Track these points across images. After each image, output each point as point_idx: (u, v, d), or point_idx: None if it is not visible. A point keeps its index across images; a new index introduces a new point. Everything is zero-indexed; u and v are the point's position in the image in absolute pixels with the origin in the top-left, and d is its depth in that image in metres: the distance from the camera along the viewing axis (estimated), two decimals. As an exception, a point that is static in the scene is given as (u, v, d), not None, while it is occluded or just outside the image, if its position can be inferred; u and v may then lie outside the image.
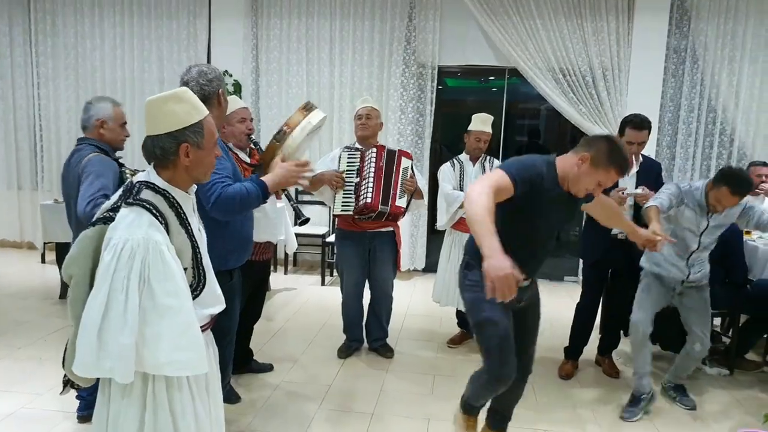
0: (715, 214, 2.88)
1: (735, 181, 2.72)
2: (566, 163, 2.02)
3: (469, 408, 2.34)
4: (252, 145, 2.93)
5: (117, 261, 1.38)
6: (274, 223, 2.89)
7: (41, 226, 5.35)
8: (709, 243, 2.96)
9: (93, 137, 2.53)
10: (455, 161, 3.82)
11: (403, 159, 3.42)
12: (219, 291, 1.70)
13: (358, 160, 3.41)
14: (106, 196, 2.29)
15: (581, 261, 4.15)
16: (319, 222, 5.79)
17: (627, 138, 3.22)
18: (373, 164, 3.35)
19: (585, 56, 5.24)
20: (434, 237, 5.44)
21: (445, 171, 3.79)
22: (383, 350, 3.69)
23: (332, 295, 4.66)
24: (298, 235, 5.18)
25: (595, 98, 5.28)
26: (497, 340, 2.08)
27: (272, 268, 5.56)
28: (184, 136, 1.50)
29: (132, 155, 5.39)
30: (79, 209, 2.32)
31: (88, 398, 2.52)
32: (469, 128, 3.75)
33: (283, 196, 2.77)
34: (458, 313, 3.94)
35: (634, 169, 3.31)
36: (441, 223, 3.82)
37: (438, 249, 4.03)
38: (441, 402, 3.05)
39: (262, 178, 2.20)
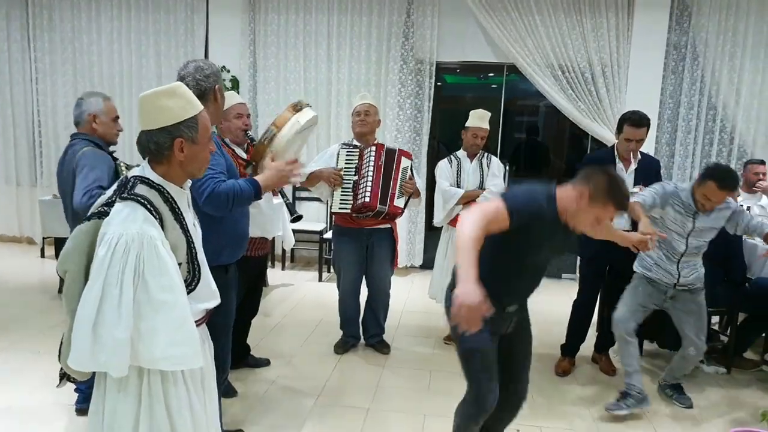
0: (702, 216, 2.86)
1: (721, 176, 2.73)
2: (566, 196, 1.96)
3: None
4: (249, 141, 2.93)
5: (111, 256, 1.38)
6: (268, 219, 2.89)
7: (40, 221, 5.36)
8: (699, 247, 2.94)
9: (86, 132, 2.55)
10: (452, 158, 3.82)
11: (403, 159, 3.42)
12: (214, 286, 1.70)
13: (357, 157, 3.41)
14: (102, 188, 2.31)
15: (579, 258, 4.15)
16: (316, 218, 5.80)
17: (625, 135, 3.22)
18: (372, 163, 3.34)
19: (584, 53, 5.22)
20: (431, 233, 5.43)
21: (443, 167, 3.79)
22: (380, 346, 3.69)
23: (329, 292, 4.67)
24: (295, 232, 5.18)
25: (594, 95, 5.26)
26: (482, 370, 2.07)
27: (270, 263, 5.56)
28: (179, 131, 1.50)
29: (131, 150, 5.38)
30: (75, 201, 2.33)
31: (86, 391, 2.54)
32: (467, 124, 3.75)
33: (270, 193, 2.76)
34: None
35: (633, 166, 3.31)
36: (438, 219, 3.82)
37: (435, 245, 4.03)
38: (437, 398, 3.06)
39: (255, 178, 2.22)
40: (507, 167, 5.25)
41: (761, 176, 4.13)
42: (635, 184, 3.22)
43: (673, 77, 5.34)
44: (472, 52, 5.49)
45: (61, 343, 1.52)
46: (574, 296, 3.57)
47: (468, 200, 3.68)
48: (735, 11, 5.13)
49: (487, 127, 3.76)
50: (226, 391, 2.84)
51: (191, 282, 1.57)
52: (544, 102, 5.56)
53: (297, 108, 2.49)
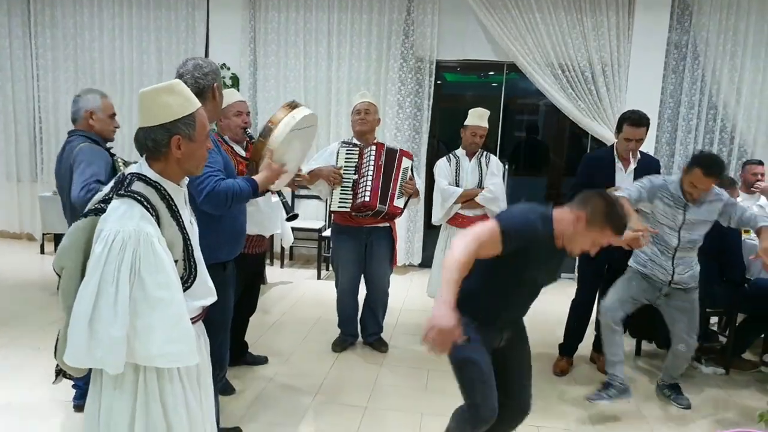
0: (692, 208, 2.83)
1: (707, 163, 2.72)
2: (563, 219, 1.93)
3: None
4: (248, 139, 2.93)
5: (108, 252, 1.39)
6: (266, 217, 2.89)
7: (40, 217, 5.37)
8: (692, 241, 2.90)
9: (83, 128, 2.56)
10: (451, 156, 3.82)
11: (404, 159, 3.42)
12: (210, 283, 1.71)
13: (357, 156, 3.41)
14: (99, 182, 2.33)
15: (577, 258, 4.15)
16: (315, 216, 5.80)
17: (625, 135, 3.21)
18: (372, 162, 3.34)
19: (584, 51, 5.22)
20: (431, 232, 5.43)
21: (441, 166, 3.79)
22: (378, 345, 3.70)
23: (328, 290, 4.65)
24: (294, 229, 5.19)
25: (594, 94, 5.26)
26: (477, 380, 2.02)
27: (268, 261, 5.57)
28: (176, 128, 1.50)
29: (131, 147, 5.38)
30: (72, 195, 2.35)
31: (84, 387, 2.54)
32: (465, 123, 3.75)
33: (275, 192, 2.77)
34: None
35: (632, 166, 3.31)
36: (436, 218, 3.82)
37: (434, 244, 4.04)
38: (435, 396, 3.06)
39: (254, 177, 2.23)
40: (506, 166, 5.26)
41: (759, 177, 4.13)
42: None
43: (674, 76, 5.33)
44: (472, 51, 5.49)
45: (57, 339, 1.52)
46: (573, 296, 3.57)
47: (466, 199, 3.69)
48: (736, 10, 5.12)
49: (486, 125, 3.76)
50: (223, 388, 2.85)
51: (188, 279, 1.57)
52: (544, 101, 5.56)
53: (292, 106, 2.50)
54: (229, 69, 5.62)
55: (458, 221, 3.74)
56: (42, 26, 5.97)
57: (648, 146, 4.42)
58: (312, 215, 5.82)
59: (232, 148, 2.90)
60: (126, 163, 2.54)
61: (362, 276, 3.64)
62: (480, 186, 3.72)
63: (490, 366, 2.04)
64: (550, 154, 6.81)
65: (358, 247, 3.53)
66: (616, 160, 3.32)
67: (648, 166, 3.35)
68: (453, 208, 3.71)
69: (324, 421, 2.80)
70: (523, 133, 6.85)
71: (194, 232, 1.64)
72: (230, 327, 2.38)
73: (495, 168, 3.76)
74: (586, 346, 3.63)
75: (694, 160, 2.77)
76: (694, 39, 5.23)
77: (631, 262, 3.08)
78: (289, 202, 3.80)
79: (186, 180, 1.64)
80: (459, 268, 1.78)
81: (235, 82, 5.64)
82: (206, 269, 1.68)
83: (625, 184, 3.15)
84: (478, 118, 3.72)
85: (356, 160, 3.40)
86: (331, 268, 5.23)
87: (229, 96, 2.98)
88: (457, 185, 3.72)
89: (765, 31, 5.14)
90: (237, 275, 2.43)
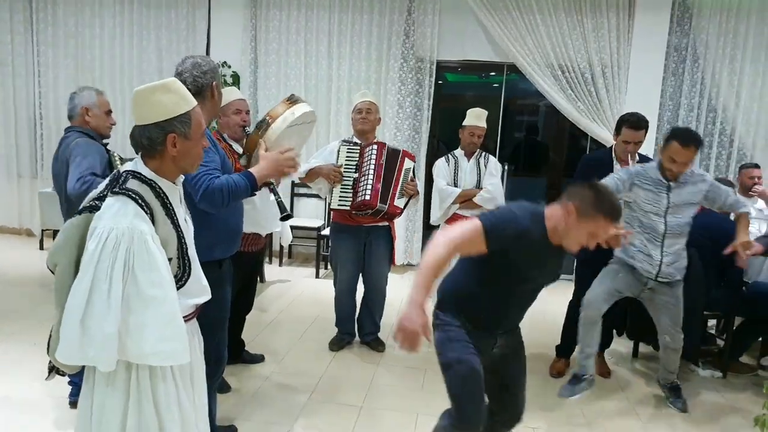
0: (675, 189, 2.78)
1: (682, 134, 2.71)
2: (554, 215, 1.88)
3: None
4: (246, 137, 2.93)
5: (101, 250, 1.39)
6: (262, 216, 2.89)
7: (39, 213, 5.38)
8: (679, 225, 2.83)
9: (79, 125, 2.60)
10: (450, 156, 3.83)
11: (407, 160, 3.43)
12: (205, 281, 1.71)
13: (357, 155, 3.41)
14: (95, 174, 2.34)
15: (575, 259, 4.15)
16: (314, 215, 5.81)
17: (623, 137, 3.21)
18: (373, 161, 3.34)
19: (584, 53, 5.22)
20: (430, 232, 5.43)
21: (440, 166, 3.80)
22: (375, 344, 3.70)
23: (326, 288, 4.65)
24: (293, 228, 5.20)
25: (594, 96, 5.26)
26: (465, 382, 1.95)
27: (267, 259, 5.57)
28: (172, 126, 1.51)
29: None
30: (68, 187, 2.37)
31: (79, 384, 2.53)
32: (464, 123, 3.76)
33: (267, 190, 2.76)
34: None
35: (631, 168, 3.31)
36: (435, 218, 3.82)
37: (432, 244, 4.03)
38: (431, 397, 3.06)
39: (250, 170, 2.21)
40: (506, 167, 5.26)
41: (756, 180, 4.12)
42: None
43: (673, 79, 5.33)
44: (472, 51, 5.49)
45: (50, 336, 1.52)
46: (570, 297, 3.57)
47: (465, 199, 3.69)
48: (736, 14, 5.11)
49: (484, 125, 3.77)
50: (219, 386, 2.85)
51: (181, 277, 1.57)
52: (544, 102, 5.56)
53: (292, 101, 2.49)
54: (230, 67, 5.62)
55: (457, 221, 3.74)
56: (44, 23, 5.98)
57: (647, 148, 4.41)
58: (311, 214, 5.82)
59: (230, 146, 2.90)
60: (122, 160, 2.55)
61: (360, 275, 3.64)
62: (478, 186, 3.72)
63: (479, 371, 1.96)
64: (549, 155, 6.81)
65: (357, 246, 3.53)
66: (615, 161, 3.32)
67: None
68: (451, 209, 3.71)
69: (320, 420, 2.81)
70: (523, 134, 6.86)
71: (189, 231, 1.65)
72: (227, 324, 2.38)
73: (493, 168, 3.76)
74: (582, 348, 3.63)
75: (670, 135, 2.75)
76: (694, 42, 5.23)
77: (618, 253, 2.99)
78: (286, 202, 3.81)
79: (182, 178, 1.65)
80: (435, 265, 1.76)
81: (236, 80, 5.65)
82: (200, 267, 1.68)
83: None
84: (476, 118, 3.73)
85: (357, 158, 3.41)
86: (329, 266, 5.24)
87: (229, 94, 2.98)
88: (456, 185, 3.73)
89: (765, 35, 5.13)
90: (234, 273, 2.43)
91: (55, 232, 4.76)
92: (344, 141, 3.53)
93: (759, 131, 5.24)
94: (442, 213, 3.74)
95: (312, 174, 3.43)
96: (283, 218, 2.42)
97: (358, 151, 3.42)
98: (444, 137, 6.34)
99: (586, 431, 2.86)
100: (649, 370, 3.64)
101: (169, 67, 5.75)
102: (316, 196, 5.45)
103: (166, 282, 1.45)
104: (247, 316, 3.38)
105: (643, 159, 3.39)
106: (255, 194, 2.26)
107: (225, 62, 5.56)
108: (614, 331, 3.66)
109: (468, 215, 3.72)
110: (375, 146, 3.39)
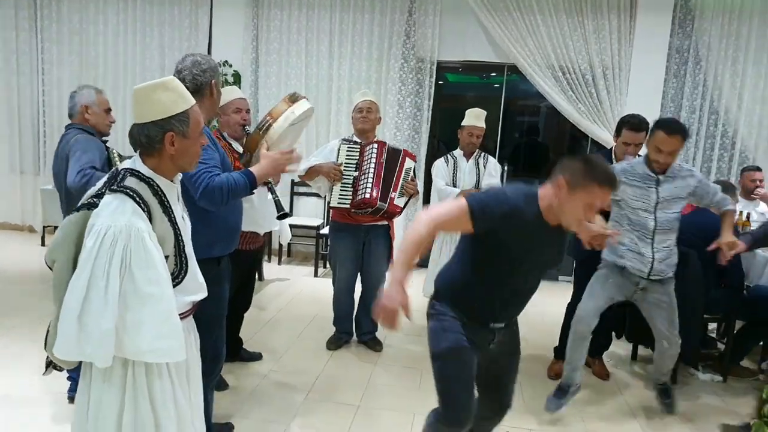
0: (664, 183, 2.72)
1: (667, 122, 2.68)
2: (547, 193, 1.80)
3: None
4: (246, 136, 2.94)
5: (99, 247, 1.40)
6: (260, 214, 2.89)
7: (41, 210, 5.40)
8: (669, 221, 2.77)
9: (79, 122, 2.65)
10: (449, 157, 3.83)
11: (408, 160, 3.44)
12: (201, 279, 1.72)
13: (358, 153, 3.42)
14: (94, 168, 2.37)
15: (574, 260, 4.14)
16: (314, 214, 5.82)
17: (623, 139, 3.21)
18: (373, 160, 3.35)
19: (585, 54, 5.22)
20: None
21: (439, 167, 3.80)
22: (372, 343, 3.71)
23: (324, 287, 4.66)
24: (292, 227, 5.20)
25: (595, 97, 5.26)
26: (454, 374, 1.89)
27: (266, 258, 5.58)
28: (170, 124, 1.52)
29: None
30: (69, 180, 2.41)
31: (78, 379, 2.56)
32: (462, 123, 3.77)
33: (265, 189, 2.77)
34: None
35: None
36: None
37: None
38: (428, 396, 3.04)
39: (250, 169, 2.22)
40: (506, 167, 5.26)
41: (758, 183, 4.12)
42: None
43: (675, 81, 5.32)
44: (473, 52, 5.49)
45: (48, 331, 1.53)
46: (569, 299, 3.56)
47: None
48: (738, 16, 5.11)
49: (483, 125, 3.77)
50: (217, 383, 2.85)
51: (178, 275, 1.58)
52: (544, 102, 5.56)
53: (293, 99, 2.50)
54: (231, 66, 5.63)
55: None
56: (48, 20, 6.01)
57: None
58: (310, 213, 5.83)
59: (230, 144, 2.91)
60: (121, 157, 2.57)
61: (359, 274, 3.64)
62: (477, 187, 3.73)
63: (471, 364, 1.91)
64: (550, 156, 6.80)
65: (356, 245, 3.54)
66: (615, 163, 3.32)
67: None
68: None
69: (317, 419, 2.82)
70: (524, 135, 6.85)
71: (186, 228, 1.66)
72: (225, 322, 2.39)
73: (492, 169, 3.77)
74: (580, 349, 3.62)
75: (654, 126, 2.72)
76: (696, 43, 5.22)
77: (606, 255, 2.91)
78: (286, 200, 3.81)
79: (179, 176, 1.65)
80: (417, 241, 1.73)
81: (237, 79, 5.66)
82: (197, 265, 1.69)
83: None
84: (474, 118, 3.73)
85: (357, 157, 3.41)
86: (328, 265, 5.26)
87: (230, 93, 2.99)
88: (455, 186, 3.73)
89: (767, 37, 5.13)
90: (232, 271, 2.44)
91: (56, 229, 4.79)
92: (344, 140, 3.54)
93: (761, 134, 5.24)
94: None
95: (312, 172, 3.44)
96: (280, 217, 2.43)
97: (359, 149, 3.43)
98: (444, 138, 6.33)
99: (582, 432, 2.86)
100: (647, 372, 3.62)
101: (171, 65, 5.73)
102: (316, 194, 5.47)
103: (163, 279, 1.46)
104: (246, 314, 3.38)
105: None
106: (254, 193, 2.27)
107: (226, 61, 5.58)
108: (613, 333, 3.65)
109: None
110: (375, 145, 3.40)
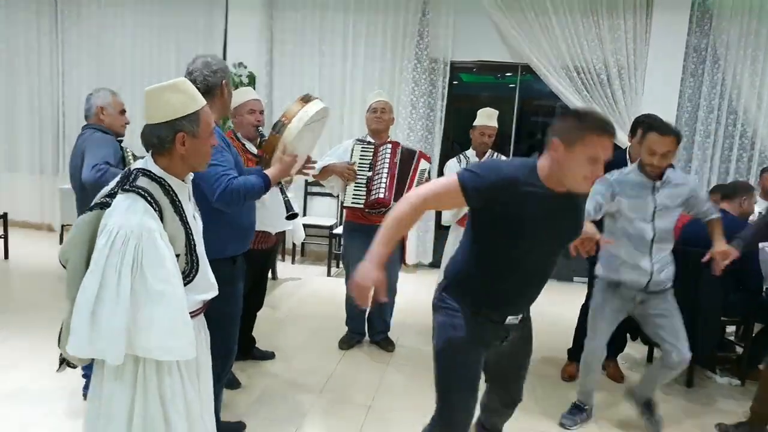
0: (660, 189, 2.61)
1: (659, 123, 2.61)
2: (545, 161, 1.68)
3: None
4: (260, 137, 2.97)
5: (111, 246, 1.42)
6: (272, 214, 2.91)
7: (60, 209, 5.51)
8: (666, 230, 2.66)
9: (94, 123, 2.71)
10: (462, 156, 3.83)
11: (422, 161, 3.45)
12: (212, 278, 1.74)
13: (371, 153, 3.43)
14: (108, 164, 2.42)
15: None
16: (327, 213, 5.84)
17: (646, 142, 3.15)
18: (387, 160, 3.36)
19: (600, 54, 5.17)
20: (442, 232, 5.43)
21: (451, 166, 3.80)
22: (384, 344, 3.71)
23: (338, 287, 4.70)
24: (305, 226, 5.23)
25: (610, 97, 5.21)
26: (457, 381, 1.78)
27: (280, 257, 5.62)
28: (181, 125, 1.54)
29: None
30: (84, 175, 2.47)
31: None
32: (474, 123, 3.77)
33: (277, 189, 2.79)
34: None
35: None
36: (445, 218, 3.83)
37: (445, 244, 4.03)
38: (439, 397, 3.06)
39: (266, 171, 2.24)
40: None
41: (777, 183, 4.05)
42: None
43: (692, 80, 5.25)
44: (486, 52, 5.48)
45: (61, 328, 1.56)
46: (583, 300, 3.53)
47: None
48: (758, 14, 5.03)
49: (495, 125, 3.76)
50: (229, 382, 2.89)
51: (189, 273, 1.60)
52: (559, 103, 5.51)
53: (306, 100, 2.52)
54: (246, 67, 5.68)
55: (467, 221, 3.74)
56: (68, 24, 6.16)
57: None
58: (324, 212, 5.86)
59: (243, 145, 2.95)
60: (135, 156, 2.62)
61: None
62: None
63: (478, 367, 1.81)
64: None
65: (369, 245, 3.50)
66: (629, 163, 3.28)
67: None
68: (462, 209, 3.70)
69: (328, 419, 2.82)
70: (538, 135, 6.80)
71: (198, 227, 1.68)
72: (239, 320, 2.41)
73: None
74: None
75: (646, 128, 2.65)
76: (714, 43, 5.15)
77: (599, 272, 2.78)
78: (299, 200, 3.83)
79: (191, 176, 1.67)
80: (401, 219, 1.66)
81: (252, 80, 5.71)
82: (209, 264, 1.71)
83: None
84: (486, 117, 3.72)
85: (371, 157, 3.42)
86: (341, 265, 5.27)
87: (244, 94, 3.03)
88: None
89: (787, 36, 5.04)
90: (246, 270, 2.46)
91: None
92: (358, 140, 3.55)
93: (781, 134, 5.15)
94: (453, 213, 3.74)
95: (325, 171, 3.45)
96: (289, 217, 2.44)
97: (372, 150, 3.44)
98: (459, 138, 6.31)
99: (595, 435, 2.83)
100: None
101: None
102: (329, 194, 5.50)
103: (174, 278, 1.48)
104: (259, 314, 3.41)
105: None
106: (269, 189, 2.29)
107: (241, 63, 5.62)
108: (628, 335, 3.61)
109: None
110: (389, 145, 3.41)
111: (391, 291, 3.68)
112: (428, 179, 3.47)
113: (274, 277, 5.09)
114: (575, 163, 1.62)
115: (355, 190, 3.41)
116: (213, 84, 2.16)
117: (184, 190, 1.62)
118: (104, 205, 1.53)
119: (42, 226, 6.56)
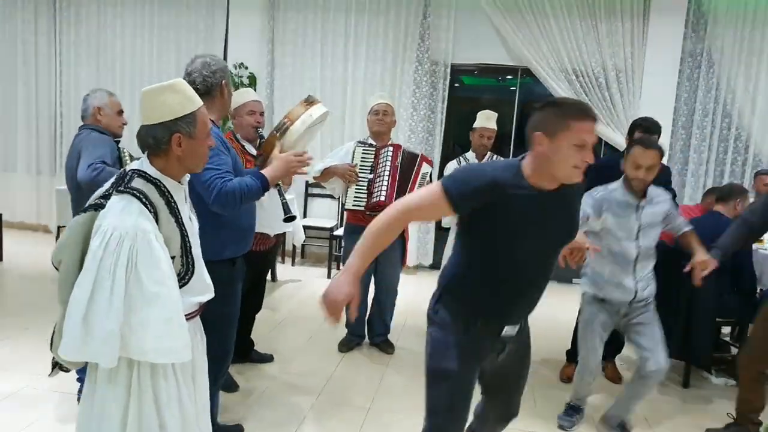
0: (644, 207, 2.62)
1: (641, 139, 2.68)
2: (529, 159, 1.62)
3: None
4: (260, 138, 2.96)
5: (105, 247, 1.40)
6: (270, 216, 2.90)
7: (56, 210, 5.48)
8: (649, 248, 2.68)
9: (91, 123, 2.71)
10: (461, 159, 3.84)
11: (425, 165, 3.45)
12: (208, 279, 1.72)
13: (373, 156, 3.42)
14: (105, 163, 2.41)
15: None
16: (328, 215, 5.83)
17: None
18: (388, 162, 3.36)
19: (598, 57, 5.20)
20: (442, 234, 5.43)
21: (451, 168, 3.79)
22: (384, 346, 3.70)
23: (337, 289, 4.66)
24: (306, 228, 5.22)
25: (608, 100, 5.23)
26: (449, 400, 1.72)
27: (280, 259, 5.61)
28: (177, 126, 1.53)
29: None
30: (79, 174, 2.46)
31: (86, 380, 2.59)
32: (474, 125, 3.77)
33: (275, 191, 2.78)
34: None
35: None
36: (446, 220, 3.81)
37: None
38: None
39: (262, 171, 2.22)
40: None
41: (772, 186, 4.05)
42: None
43: (688, 84, 5.29)
44: (487, 55, 5.50)
45: (53, 332, 1.53)
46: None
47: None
48: (752, 20, 5.08)
49: (494, 127, 3.77)
50: (227, 385, 2.88)
51: (185, 275, 1.58)
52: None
53: (309, 102, 2.51)
54: (247, 68, 5.68)
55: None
56: (67, 23, 6.14)
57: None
58: (324, 214, 5.85)
59: (243, 146, 2.94)
60: (132, 157, 2.61)
61: (372, 276, 3.63)
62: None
63: (470, 389, 1.74)
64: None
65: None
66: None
67: (658, 174, 3.29)
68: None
69: (327, 421, 2.81)
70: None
71: (194, 229, 1.66)
72: (237, 322, 2.40)
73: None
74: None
75: (629, 144, 2.71)
76: (709, 47, 5.19)
77: (585, 287, 2.82)
78: (300, 202, 3.82)
79: (187, 177, 1.66)
80: (378, 231, 1.58)
81: (253, 81, 5.71)
82: (204, 266, 1.69)
83: None
84: (485, 119, 3.73)
85: (372, 160, 3.42)
86: (341, 267, 5.26)
87: (244, 95, 3.02)
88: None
89: (781, 41, 5.08)
90: (245, 272, 2.45)
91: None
92: (359, 142, 3.54)
93: (775, 137, 5.17)
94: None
95: (327, 173, 3.45)
96: (287, 219, 2.43)
97: (374, 152, 3.43)
98: (460, 140, 6.31)
99: (593, 438, 2.82)
100: (663, 378, 3.57)
101: (186, 68, 5.84)
102: (330, 196, 5.49)
103: (169, 280, 1.46)
104: (258, 316, 3.40)
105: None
106: (268, 190, 2.28)
107: (242, 63, 5.62)
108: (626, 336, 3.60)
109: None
110: (391, 148, 3.41)
111: (392, 293, 3.67)
112: (430, 182, 3.46)
113: (274, 279, 5.08)
114: (562, 152, 1.55)
115: (356, 192, 3.40)
116: (212, 84, 2.16)
117: (180, 192, 1.61)
118: (98, 207, 1.50)
119: (38, 227, 6.54)
